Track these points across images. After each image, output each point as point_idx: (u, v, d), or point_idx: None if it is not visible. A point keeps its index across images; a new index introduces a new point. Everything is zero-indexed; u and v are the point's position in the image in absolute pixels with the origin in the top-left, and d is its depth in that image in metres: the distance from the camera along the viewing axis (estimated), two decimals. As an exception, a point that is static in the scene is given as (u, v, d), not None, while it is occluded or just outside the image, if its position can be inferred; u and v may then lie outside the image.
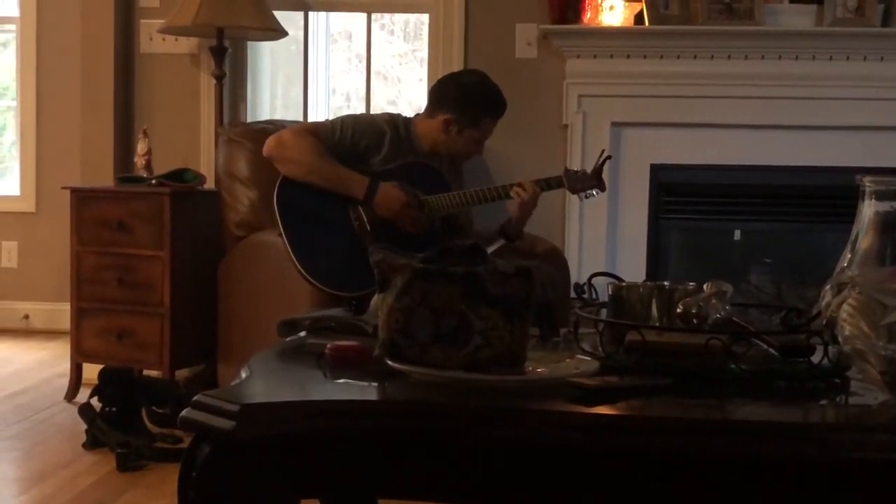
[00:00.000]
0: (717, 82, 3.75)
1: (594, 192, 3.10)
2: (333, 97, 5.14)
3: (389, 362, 1.41)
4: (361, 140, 2.99)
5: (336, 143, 2.96)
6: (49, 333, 4.59)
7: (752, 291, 3.87)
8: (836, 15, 3.67)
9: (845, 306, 1.32)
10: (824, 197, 3.85)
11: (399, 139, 3.06)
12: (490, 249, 3.07)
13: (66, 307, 3.58)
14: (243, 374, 1.46)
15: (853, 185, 1.63)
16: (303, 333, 1.71)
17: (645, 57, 3.76)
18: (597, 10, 3.71)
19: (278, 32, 3.83)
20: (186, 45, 3.98)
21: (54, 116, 4.72)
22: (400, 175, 2.97)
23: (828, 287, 1.42)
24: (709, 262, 4.05)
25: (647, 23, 3.71)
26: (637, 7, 3.74)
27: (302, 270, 2.79)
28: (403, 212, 2.91)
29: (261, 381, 1.43)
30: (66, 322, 3.64)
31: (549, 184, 3.09)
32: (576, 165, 3.68)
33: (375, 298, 1.60)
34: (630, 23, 3.75)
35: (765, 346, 1.55)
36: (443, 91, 3.13)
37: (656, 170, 3.88)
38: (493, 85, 3.10)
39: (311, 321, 1.74)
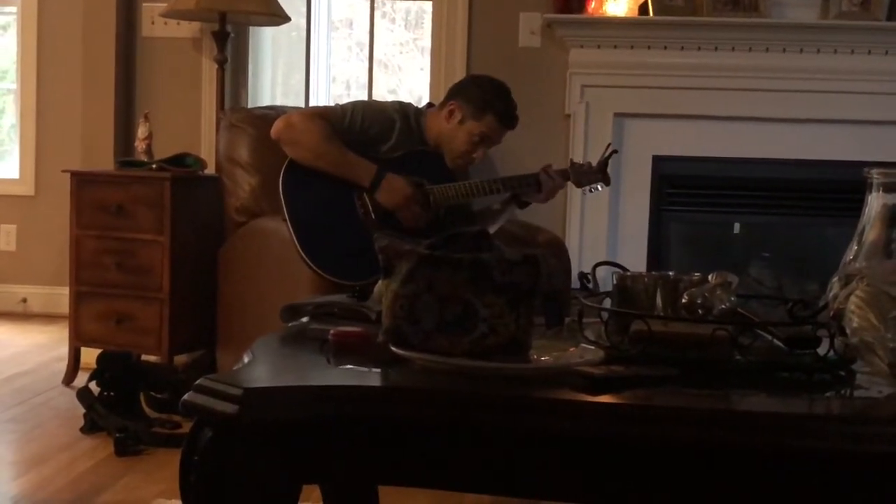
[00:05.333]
0: (721, 74, 3.74)
1: (598, 187, 3.09)
2: (334, 85, 5.13)
3: (393, 349, 1.40)
4: (371, 127, 2.97)
5: (345, 128, 2.94)
6: (47, 317, 4.58)
7: (753, 285, 3.86)
8: (842, 8, 3.66)
9: (853, 298, 1.31)
10: (826, 191, 3.85)
11: (409, 129, 3.03)
12: (501, 220, 3.06)
13: (65, 291, 3.56)
14: (246, 359, 1.45)
15: (855, 179, 1.62)
16: (305, 319, 1.70)
17: (649, 48, 3.75)
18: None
19: (281, 18, 3.81)
20: (188, 29, 3.96)
21: (55, 100, 4.70)
22: (407, 163, 2.95)
23: (835, 279, 1.42)
24: (710, 254, 4.04)
25: (651, 13, 3.70)
26: (642, -3, 3.73)
27: (305, 257, 2.78)
28: (406, 205, 2.89)
29: (264, 366, 1.42)
30: (64, 306, 3.63)
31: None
32: (578, 156, 3.68)
33: (379, 284, 1.59)
34: (634, 13, 3.73)
35: (770, 338, 1.54)
36: (460, 84, 3.12)
37: (658, 161, 3.87)
38: (510, 93, 3.05)
39: (314, 307, 1.73)
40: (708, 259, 3.96)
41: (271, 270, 3.06)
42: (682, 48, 3.74)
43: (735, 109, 3.77)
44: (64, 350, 3.59)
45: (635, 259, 3.79)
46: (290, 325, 1.70)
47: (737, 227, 4.04)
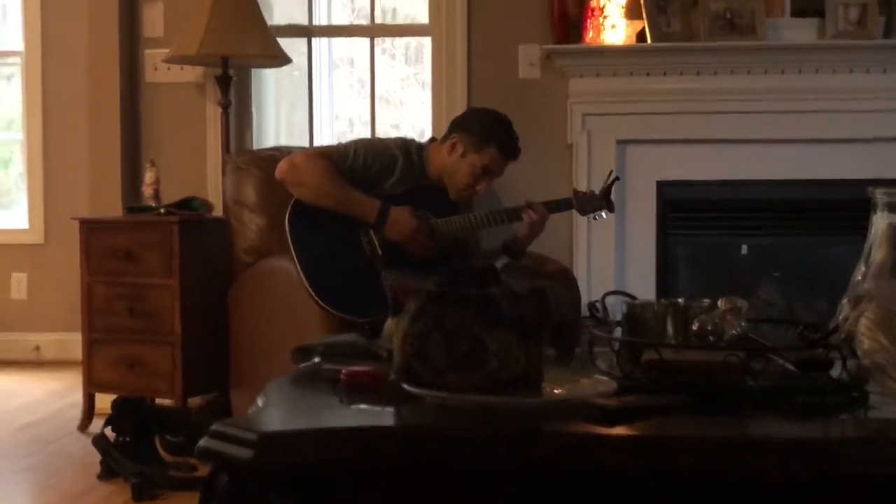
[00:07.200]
0: (721, 98, 3.76)
1: (603, 214, 3.11)
2: (337, 122, 5.16)
3: (405, 387, 1.40)
4: (374, 164, 2.99)
5: (349, 167, 2.96)
6: (61, 364, 4.59)
7: (762, 305, 3.85)
8: (838, 28, 3.68)
9: (863, 320, 1.32)
10: (831, 210, 3.84)
11: (411, 164, 3.05)
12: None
13: (78, 337, 3.57)
14: (259, 402, 1.46)
15: (860, 198, 1.63)
16: (317, 359, 1.71)
17: (648, 74, 3.77)
18: (599, 29, 3.72)
19: (282, 60, 3.84)
20: (191, 73, 4.00)
21: (61, 148, 4.74)
22: (411, 198, 2.97)
23: (844, 301, 1.42)
24: (718, 277, 4.03)
25: (649, 40, 3.72)
26: (639, 25, 3.75)
27: (314, 295, 2.79)
28: (413, 237, 2.91)
29: (277, 409, 1.42)
30: (77, 352, 3.64)
31: (558, 206, 3.09)
32: (582, 183, 3.69)
33: (389, 323, 1.60)
34: (632, 41, 3.76)
35: (782, 362, 1.54)
36: (461, 117, 3.15)
37: (662, 186, 3.87)
38: (511, 125, 3.06)
39: (325, 347, 1.73)
40: (717, 282, 3.95)
41: (281, 309, 3.07)
42: (681, 73, 3.76)
43: (736, 132, 3.78)
44: (78, 396, 3.59)
45: (644, 285, 3.79)
46: (302, 366, 1.70)
47: (744, 249, 4.04)
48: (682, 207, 3.93)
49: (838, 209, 3.80)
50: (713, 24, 3.72)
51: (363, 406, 1.43)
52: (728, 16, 3.71)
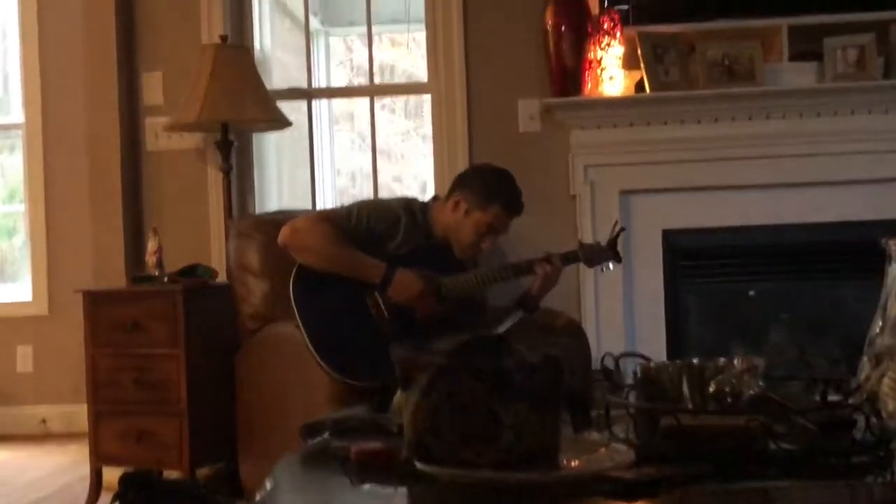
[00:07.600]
0: (723, 144, 3.75)
1: (610, 266, 3.08)
2: (339, 178, 5.16)
3: (418, 465, 1.36)
4: (377, 225, 2.97)
5: (352, 229, 2.94)
6: (68, 436, 4.53)
7: (774, 352, 3.80)
8: (837, 70, 3.68)
9: (886, 380, 1.28)
10: (837, 252, 3.82)
11: (415, 224, 3.04)
12: (509, 323, 3.03)
13: (84, 409, 3.53)
14: (268, 485, 1.42)
15: (866, 239, 1.60)
16: (326, 435, 1.67)
17: (649, 124, 3.76)
18: (597, 81, 3.72)
19: (282, 123, 3.85)
20: (192, 140, 4.00)
21: (64, 218, 4.74)
22: (416, 258, 2.94)
23: (865, 358, 1.39)
24: (727, 322, 4.00)
25: (647, 90, 3.72)
26: (637, 75, 3.75)
27: (321, 362, 2.75)
28: (419, 297, 2.88)
29: (286, 494, 1.38)
30: (84, 424, 3.60)
31: (565, 258, 3.07)
32: (587, 235, 3.67)
33: (398, 396, 1.56)
34: (631, 91, 3.76)
35: (803, 422, 1.50)
36: (463, 175, 3.15)
37: (669, 235, 3.85)
38: (513, 181, 3.06)
39: (334, 423, 1.70)
40: (726, 327, 3.91)
41: (288, 376, 3.03)
42: (682, 122, 3.76)
43: (740, 178, 3.77)
44: (85, 470, 3.54)
45: (653, 334, 3.76)
46: (310, 443, 1.66)
47: (752, 294, 4.00)
48: (688, 255, 3.91)
49: (845, 251, 3.78)
50: (711, 71, 3.72)
51: (374, 486, 1.39)
52: (726, 62, 3.71)
